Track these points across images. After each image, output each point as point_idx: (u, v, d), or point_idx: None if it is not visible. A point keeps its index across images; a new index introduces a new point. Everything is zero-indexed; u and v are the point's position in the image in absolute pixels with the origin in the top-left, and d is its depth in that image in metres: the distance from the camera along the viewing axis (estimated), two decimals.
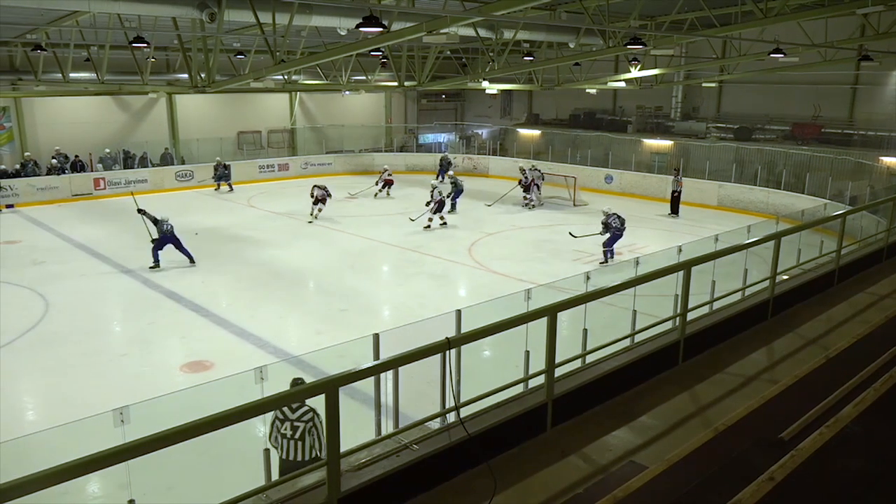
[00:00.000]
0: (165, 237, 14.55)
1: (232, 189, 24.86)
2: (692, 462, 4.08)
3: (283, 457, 5.33)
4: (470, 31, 15.37)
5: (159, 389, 7.68)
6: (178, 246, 14.68)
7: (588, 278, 6.25)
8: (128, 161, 25.34)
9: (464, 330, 5.15)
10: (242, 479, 3.89)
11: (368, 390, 6.05)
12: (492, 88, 24.63)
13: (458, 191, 20.71)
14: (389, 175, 23.53)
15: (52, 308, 12.36)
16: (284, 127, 31.24)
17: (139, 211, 14.79)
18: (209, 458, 6.09)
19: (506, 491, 3.92)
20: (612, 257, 15.08)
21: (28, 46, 20.38)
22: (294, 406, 5.25)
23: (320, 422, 5.22)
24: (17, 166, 22.87)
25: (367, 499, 3.63)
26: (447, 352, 3.94)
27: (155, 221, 14.57)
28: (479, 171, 29.57)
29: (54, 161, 23.49)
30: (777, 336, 6.47)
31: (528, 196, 21.85)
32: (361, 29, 9.65)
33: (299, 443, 5.25)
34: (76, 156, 24.25)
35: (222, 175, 24.76)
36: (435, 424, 4.27)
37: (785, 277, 7.36)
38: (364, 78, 27.23)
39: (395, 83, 22.12)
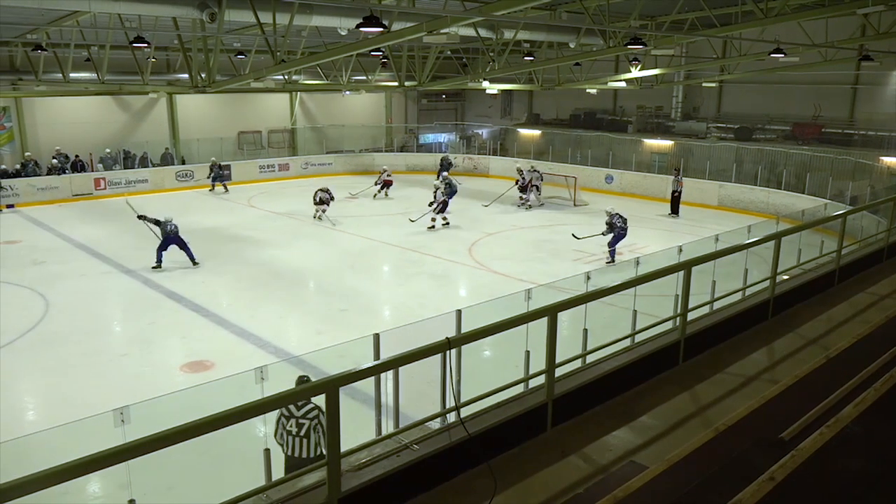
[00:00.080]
0: (169, 238, 14.54)
1: (227, 190, 24.78)
2: (692, 462, 4.07)
3: (289, 454, 5.37)
4: (470, 31, 15.36)
5: (159, 389, 7.68)
6: (183, 246, 14.68)
7: (588, 278, 6.24)
8: (128, 161, 25.35)
9: (464, 330, 5.15)
10: (242, 479, 3.89)
11: (369, 390, 6.05)
12: (492, 88, 24.63)
13: (451, 191, 20.72)
14: (389, 176, 23.53)
15: (53, 308, 12.37)
16: (285, 127, 31.25)
17: (139, 217, 14.78)
18: (209, 458, 6.09)
19: (506, 491, 3.91)
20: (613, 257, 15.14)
21: (28, 46, 20.40)
22: (299, 403, 5.29)
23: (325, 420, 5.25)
24: (18, 166, 22.89)
25: (368, 499, 3.62)
26: (447, 352, 3.94)
27: (157, 223, 14.56)
28: (480, 171, 29.58)
29: (55, 161, 23.50)
30: (777, 336, 6.46)
31: (523, 196, 21.84)
32: (362, 29, 9.65)
33: (304, 440, 5.27)
34: (76, 156, 24.26)
35: (218, 175, 24.67)
36: (435, 424, 4.27)
37: (785, 277, 7.35)
38: (364, 78, 27.24)
39: (396, 83, 22.11)
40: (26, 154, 23.48)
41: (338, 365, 4.39)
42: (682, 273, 5.58)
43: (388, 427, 6.06)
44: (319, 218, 19.38)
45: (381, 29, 9.75)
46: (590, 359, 5.31)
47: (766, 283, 6.87)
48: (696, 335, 5.82)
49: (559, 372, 4.66)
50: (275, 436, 5.45)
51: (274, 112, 30.85)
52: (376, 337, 5.45)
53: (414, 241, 17.35)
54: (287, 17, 12.29)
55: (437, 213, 18.44)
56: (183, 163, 26.53)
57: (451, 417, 4.26)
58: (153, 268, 14.42)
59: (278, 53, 13.32)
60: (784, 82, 24.40)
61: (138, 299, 12.93)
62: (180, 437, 2.84)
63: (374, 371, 4.35)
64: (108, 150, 24.91)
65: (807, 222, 8.90)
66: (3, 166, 22.80)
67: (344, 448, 3.54)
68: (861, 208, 11.88)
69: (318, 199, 19.41)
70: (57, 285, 13.60)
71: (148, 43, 16.68)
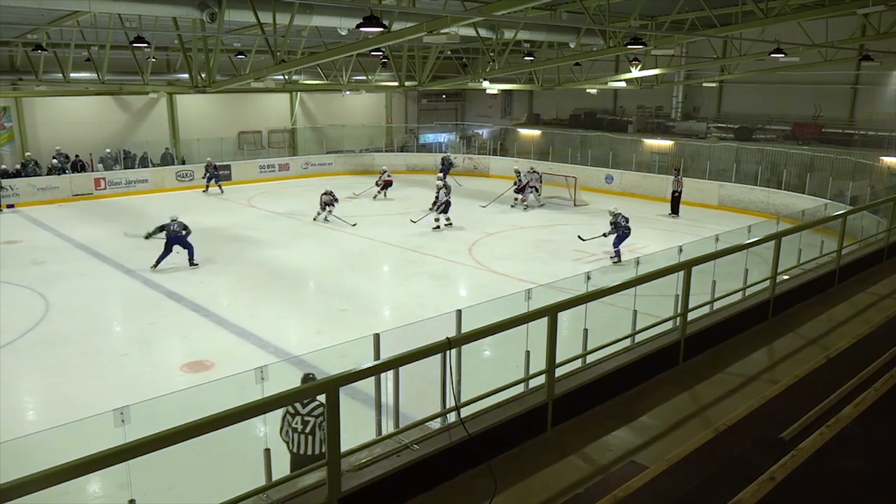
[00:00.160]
0: (171, 238, 14.52)
1: (222, 191, 24.65)
2: (692, 462, 4.07)
3: (294, 451, 5.39)
4: (470, 31, 15.36)
5: (159, 389, 7.68)
6: (185, 245, 14.67)
7: (588, 278, 6.24)
8: (128, 161, 25.35)
9: (464, 330, 5.15)
10: (242, 479, 3.89)
11: (369, 390, 6.05)
12: (492, 88, 24.62)
13: (446, 194, 20.79)
14: (389, 176, 23.52)
15: (53, 308, 12.37)
16: (285, 127, 31.25)
17: (147, 237, 14.79)
18: (209, 458, 6.09)
19: (506, 491, 3.91)
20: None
21: (29, 46, 20.41)
22: (305, 401, 5.30)
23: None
24: (18, 166, 22.89)
25: (368, 499, 3.62)
26: (447, 352, 3.94)
27: (162, 229, 14.59)
28: (480, 171, 29.58)
29: (55, 161, 23.50)
30: (777, 336, 6.46)
31: (517, 197, 21.81)
32: (362, 29, 9.65)
33: (310, 437, 5.29)
34: (77, 156, 24.27)
35: (213, 176, 24.54)
36: (435, 424, 4.27)
37: (785, 277, 7.35)
38: (364, 78, 27.23)
39: (396, 83, 22.11)
40: (26, 154, 23.49)
41: (338, 365, 4.39)
42: (682, 273, 5.57)
43: (388, 427, 6.06)
44: (326, 219, 19.28)
45: (381, 29, 9.75)
46: (590, 359, 5.31)
47: (767, 283, 6.87)
48: (696, 335, 5.81)
49: (559, 372, 4.66)
50: (280, 433, 5.49)
51: (274, 112, 30.86)
52: (376, 337, 5.45)
53: (414, 241, 17.35)
54: (287, 17, 12.29)
55: (441, 213, 18.43)
56: (183, 163, 26.53)
57: (452, 417, 4.26)
58: (152, 268, 14.40)
59: (278, 53, 13.33)
60: (784, 82, 24.40)
61: (138, 299, 12.93)
62: (180, 437, 2.85)
63: (374, 371, 4.35)
64: (108, 150, 24.91)
65: (807, 222, 8.91)
66: (4, 166, 22.80)
67: (344, 448, 3.54)
68: (861, 208, 11.88)
69: (323, 203, 19.34)
70: (57, 285, 13.60)
71: (148, 43, 16.68)
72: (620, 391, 5.13)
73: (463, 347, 4.83)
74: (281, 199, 23.37)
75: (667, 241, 16.24)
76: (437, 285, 14.05)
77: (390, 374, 6.02)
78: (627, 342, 5.61)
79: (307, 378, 5.35)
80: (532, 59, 21.99)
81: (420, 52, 22.35)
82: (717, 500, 3.53)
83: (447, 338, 3.80)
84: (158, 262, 14.44)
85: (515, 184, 21.99)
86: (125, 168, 25.04)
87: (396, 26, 12.02)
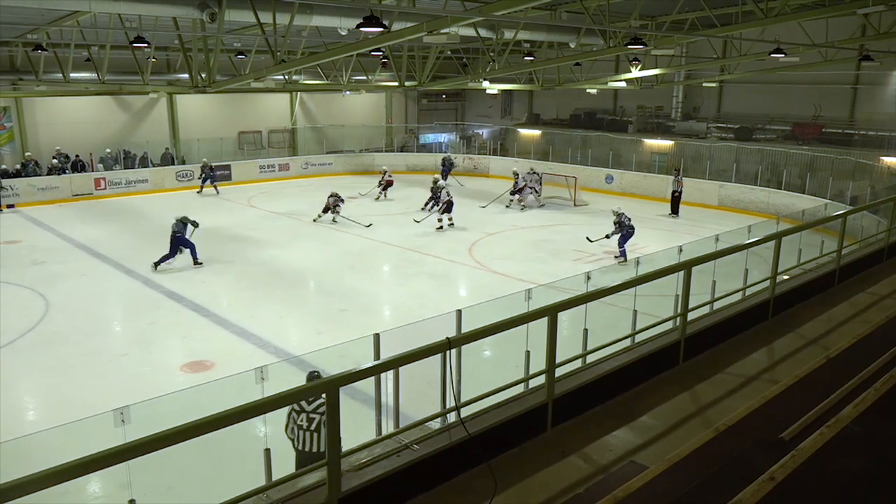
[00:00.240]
0: (175, 240, 14.51)
1: (217, 191, 24.51)
2: (693, 462, 4.07)
3: (300, 448, 5.41)
4: (470, 31, 15.36)
5: (159, 389, 7.69)
6: (187, 245, 14.68)
7: (588, 278, 6.24)
8: (128, 161, 25.35)
9: (464, 330, 5.15)
10: (242, 479, 3.89)
11: (369, 390, 6.04)
12: (492, 88, 24.62)
13: (441, 193, 20.90)
14: (389, 176, 23.52)
15: (53, 308, 12.37)
16: (285, 127, 31.25)
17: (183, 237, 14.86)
18: (209, 458, 6.09)
19: (506, 491, 3.91)
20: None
21: (29, 46, 20.41)
22: (310, 398, 5.30)
23: None
24: (18, 166, 22.89)
25: (368, 499, 3.62)
26: (448, 352, 3.94)
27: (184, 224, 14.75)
28: (480, 171, 29.58)
29: (55, 161, 23.50)
30: (777, 336, 6.46)
31: (512, 198, 21.78)
32: (362, 29, 9.65)
33: (315, 434, 5.30)
34: (77, 156, 24.27)
35: (209, 176, 24.40)
36: (435, 424, 4.27)
37: (785, 277, 7.35)
38: (364, 78, 27.23)
39: (396, 83, 22.11)
40: (26, 154, 23.48)
41: (338, 365, 4.40)
42: (682, 273, 5.57)
43: (388, 427, 6.06)
44: (335, 220, 19.19)
45: (381, 29, 9.75)
46: (590, 359, 5.31)
47: (767, 283, 6.87)
48: (696, 335, 5.81)
49: (559, 372, 4.66)
50: (285, 430, 5.52)
51: (274, 112, 30.86)
52: (376, 337, 5.45)
53: (414, 241, 17.35)
54: (287, 17, 12.29)
55: (443, 214, 18.42)
56: (183, 163, 26.52)
57: (452, 417, 4.26)
58: (154, 268, 14.38)
59: (278, 53, 13.32)
60: (784, 82, 24.40)
61: (138, 299, 12.93)
62: (180, 437, 2.85)
63: (375, 371, 4.35)
64: (108, 150, 24.91)
65: (807, 222, 8.90)
66: (4, 166, 22.80)
67: (344, 448, 3.54)
68: (861, 208, 11.88)
69: (327, 204, 19.27)
70: (57, 285, 13.60)
71: (148, 43, 16.68)
72: (620, 391, 5.13)
73: (463, 347, 4.82)
74: (281, 199, 23.37)
75: (667, 241, 16.24)
76: (437, 285, 14.05)
77: (390, 374, 6.02)
78: (627, 342, 5.61)
79: (312, 376, 5.38)
80: (532, 59, 21.99)
81: (420, 52, 22.35)
82: (717, 500, 3.53)
83: (447, 338, 3.80)
84: (160, 262, 14.43)
85: (514, 185, 21.98)
86: (125, 168, 25.04)
87: (396, 26, 12.02)
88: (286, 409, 5.50)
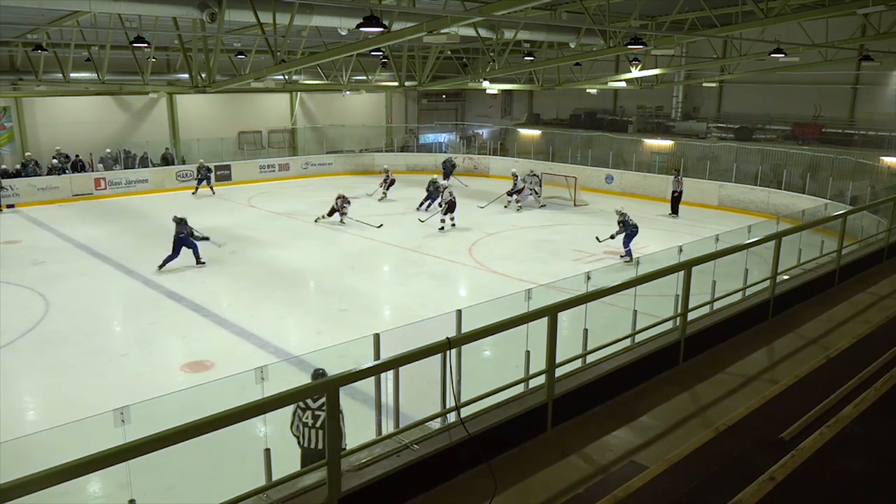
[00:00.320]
0: (178, 240, 14.50)
1: (213, 192, 24.37)
2: (692, 462, 4.07)
3: (305, 445, 5.43)
4: (470, 31, 15.36)
5: (159, 389, 7.69)
6: (189, 245, 14.68)
7: (588, 278, 6.24)
8: (128, 161, 25.34)
9: (464, 330, 5.15)
10: (242, 479, 3.89)
11: (369, 390, 6.05)
12: (492, 88, 24.62)
13: (436, 195, 20.95)
14: (391, 175, 23.52)
15: (53, 308, 12.37)
16: (285, 127, 31.25)
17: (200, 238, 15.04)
18: (209, 458, 6.08)
19: (506, 491, 3.91)
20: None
21: (29, 46, 20.41)
22: (315, 396, 5.31)
23: (341, 411, 5.33)
24: (18, 166, 22.90)
25: (368, 499, 3.62)
26: (448, 352, 3.94)
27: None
28: (480, 171, 29.57)
29: (55, 161, 23.50)
30: (777, 336, 6.46)
31: (510, 200, 21.77)
32: (362, 29, 9.65)
33: (320, 431, 5.32)
34: (77, 156, 24.26)
35: (204, 177, 24.20)
36: (435, 424, 4.27)
37: (785, 277, 7.35)
38: (364, 78, 27.23)
39: (396, 83, 22.11)
40: (26, 154, 23.48)
41: (338, 365, 4.40)
42: (682, 273, 5.58)
43: (388, 427, 6.06)
44: (342, 221, 19.16)
45: (381, 29, 9.74)
46: (590, 359, 5.31)
47: (767, 283, 6.87)
48: (696, 335, 5.82)
49: (559, 372, 4.66)
50: (290, 428, 5.55)
51: (274, 112, 30.86)
52: (376, 337, 5.45)
53: (414, 241, 17.36)
54: (287, 17, 12.29)
55: (445, 214, 18.42)
56: (183, 163, 26.51)
57: (452, 417, 4.26)
58: (158, 269, 14.35)
59: (278, 53, 13.32)
60: (784, 82, 24.40)
61: (138, 299, 12.93)
62: (180, 437, 2.85)
63: (375, 371, 4.35)
64: (108, 150, 24.91)
65: (807, 222, 8.90)
66: (4, 166, 22.80)
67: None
68: (861, 208, 11.89)
69: (333, 207, 19.23)
70: (57, 285, 13.60)
71: (148, 43, 16.68)
72: (620, 391, 5.13)
73: (463, 347, 4.83)
74: (281, 199, 23.37)
75: (667, 241, 16.24)
76: (437, 285, 14.05)
77: (390, 374, 6.02)
78: (627, 342, 5.62)
79: (317, 374, 5.41)
80: (532, 59, 21.99)
81: (420, 52, 22.35)
82: (717, 500, 3.53)
83: (447, 338, 3.80)
84: (164, 263, 14.42)
85: (513, 186, 21.98)
86: (125, 168, 25.04)
87: (396, 26, 12.02)
88: (290, 408, 5.51)
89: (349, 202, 19.34)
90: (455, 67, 27.89)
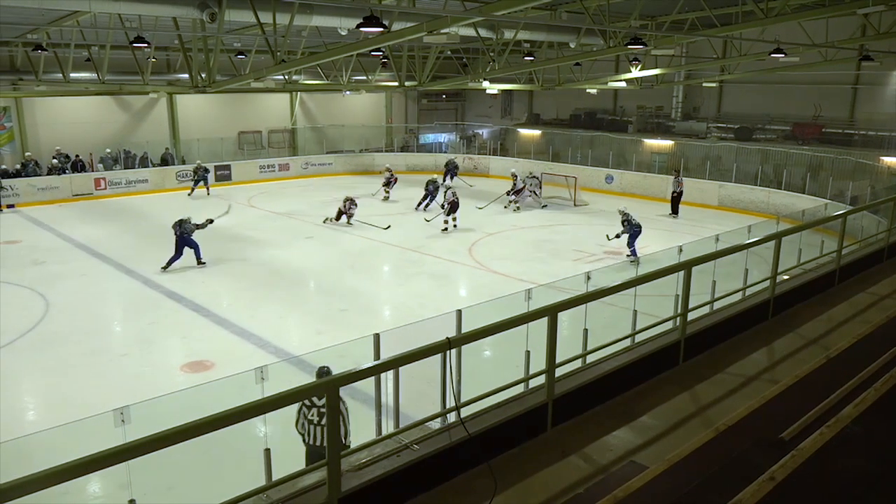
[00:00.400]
0: (180, 240, 14.49)
1: (209, 193, 24.14)
2: (693, 462, 4.07)
3: (310, 442, 5.45)
4: (470, 31, 15.36)
5: (159, 389, 7.69)
6: (191, 245, 14.68)
7: (588, 278, 6.24)
8: (128, 161, 25.33)
9: (464, 330, 5.15)
10: (242, 479, 3.89)
11: (369, 390, 6.04)
12: (492, 88, 24.62)
13: (434, 195, 20.95)
14: (393, 175, 23.52)
15: (53, 308, 12.36)
16: (285, 127, 31.25)
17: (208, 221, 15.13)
18: (209, 458, 6.08)
19: (506, 491, 3.91)
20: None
21: (29, 46, 20.41)
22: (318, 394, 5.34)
23: (346, 408, 5.41)
24: (18, 166, 22.89)
25: (368, 499, 3.62)
26: (448, 352, 3.94)
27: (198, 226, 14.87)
28: (480, 170, 29.57)
29: (55, 161, 23.50)
30: (777, 336, 6.46)
31: (511, 199, 21.77)
32: (362, 29, 9.65)
33: (325, 429, 5.32)
34: (77, 156, 24.26)
35: (201, 178, 24.00)
36: (435, 424, 4.27)
37: (785, 277, 7.35)
38: (364, 78, 27.23)
39: (396, 83, 22.11)
40: (26, 154, 23.48)
41: (338, 365, 4.40)
42: (682, 273, 5.58)
43: (388, 427, 6.06)
44: (350, 223, 19.05)
45: (381, 29, 9.75)
46: (590, 359, 5.31)
47: (767, 283, 6.87)
48: (696, 335, 5.81)
49: (559, 372, 4.66)
50: (296, 425, 5.58)
51: (274, 112, 30.86)
52: (376, 337, 5.45)
53: (414, 241, 17.35)
54: (287, 17, 12.29)
55: (448, 215, 18.43)
56: (183, 163, 26.49)
57: (452, 417, 4.26)
58: (162, 269, 14.35)
59: (278, 53, 13.32)
60: (784, 82, 24.40)
61: (138, 299, 12.93)
62: (180, 437, 2.85)
63: (375, 371, 4.35)
64: (108, 150, 24.90)
65: (807, 222, 8.91)
66: (4, 166, 22.79)
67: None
68: (861, 208, 11.89)
69: (346, 207, 19.16)
70: (57, 285, 13.60)
71: (148, 43, 16.68)
72: (620, 391, 5.13)
73: (463, 347, 4.82)
74: (281, 199, 23.37)
75: (667, 241, 16.23)
76: (437, 285, 14.05)
77: (390, 374, 6.01)
78: (627, 342, 5.62)
79: (322, 371, 5.45)
80: (532, 59, 21.99)
81: (420, 52, 22.35)
82: (717, 500, 3.53)
83: (447, 338, 3.80)
84: (168, 264, 14.42)
85: (512, 186, 21.98)
86: (125, 168, 25.03)
87: (396, 26, 12.02)
88: (294, 406, 5.53)
89: (356, 204, 19.29)
90: (455, 67, 27.90)
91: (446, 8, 13.53)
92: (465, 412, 4.14)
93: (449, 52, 25.73)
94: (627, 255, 15.37)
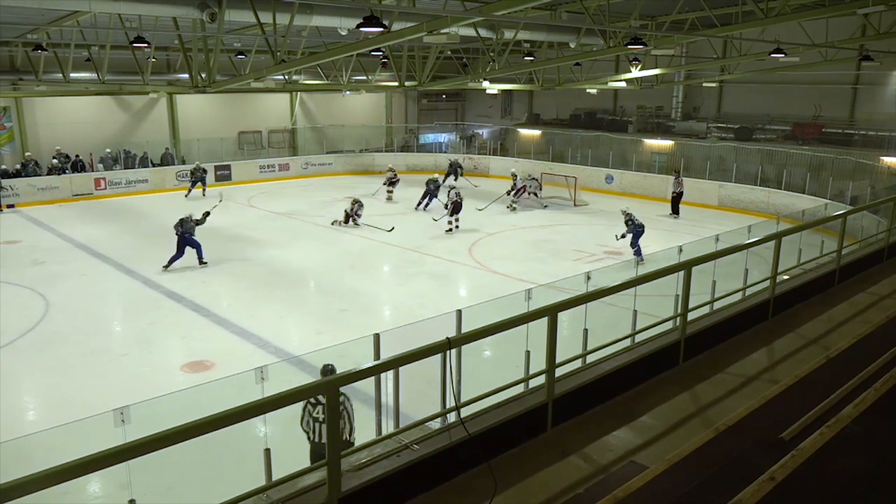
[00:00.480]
0: (181, 240, 14.48)
1: (205, 194, 23.83)
2: (693, 462, 4.07)
3: (315, 440, 5.46)
4: (470, 31, 15.36)
5: (159, 389, 7.69)
6: (193, 245, 14.67)
7: (588, 278, 6.24)
8: (128, 161, 25.33)
9: (464, 330, 5.15)
10: (242, 479, 3.89)
11: (369, 390, 6.05)
12: (492, 88, 24.61)
13: (435, 194, 20.91)
14: (395, 175, 23.51)
15: (53, 308, 12.36)
16: (285, 127, 31.25)
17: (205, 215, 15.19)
18: (209, 458, 6.08)
19: (506, 491, 3.91)
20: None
21: (29, 46, 20.40)
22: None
23: (350, 405, 5.49)
24: (18, 166, 22.89)
25: (368, 499, 3.62)
26: (448, 352, 3.94)
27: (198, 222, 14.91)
28: (480, 170, 29.56)
29: (55, 161, 23.50)
30: (777, 336, 6.46)
31: (511, 198, 21.77)
32: (362, 29, 9.65)
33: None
34: (77, 156, 24.26)
35: (199, 179, 23.86)
36: (435, 424, 4.27)
37: (785, 277, 7.35)
38: (364, 78, 27.23)
39: (396, 83, 22.10)
40: (26, 154, 23.48)
41: (338, 365, 4.41)
42: (682, 273, 5.58)
43: (388, 427, 6.06)
44: (357, 224, 19.01)
45: (381, 29, 9.74)
46: (590, 359, 5.31)
47: (767, 283, 6.87)
48: (696, 335, 5.81)
49: (559, 372, 4.66)
50: (300, 423, 5.59)
51: (274, 112, 30.85)
52: (376, 337, 5.45)
53: (414, 241, 17.35)
54: (287, 17, 12.29)
55: (451, 215, 18.42)
56: (183, 163, 26.49)
57: (452, 417, 4.26)
58: (164, 269, 14.35)
59: (278, 53, 13.32)
60: (784, 82, 24.39)
61: (138, 299, 12.93)
62: (180, 437, 2.85)
63: (374, 371, 4.35)
64: (108, 150, 24.90)
65: (807, 222, 8.91)
66: (4, 166, 22.79)
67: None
68: (861, 208, 11.89)
69: (353, 209, 19.12)
70: (57, 285, 13.60)
71: (148, 43, 16.68)
72: (620, 391, 5.13)
73: (463, 347, 4.82)
74: (281, 199, 23.37)
75: (667, 241, 16.23)
76: (437, 285, 14.05)
77: (390, 374, 6.02)
78: (627, 342, 5.61)
79: (326, 370, 5.51)
80: (532, 59, 21.99)
81: (420, 52, 22.34)
82: (717, 500, 3.53)
83: (447, 338, 3.80)
84: (170, 263, 14.42)
85: (512, 186, 21.98)
86: (125, 168, 25.03)
87: (396, 26, 12.02)
88: (300, 405, 5.53)
89: (363, 205, 19.24)
90: (455, 67, 27.89)
91: (446, 8, 13.53)
92: (465, 412, 4.14)
93: (449, 52, 25.73)
94: (634, 254, 15.38)
